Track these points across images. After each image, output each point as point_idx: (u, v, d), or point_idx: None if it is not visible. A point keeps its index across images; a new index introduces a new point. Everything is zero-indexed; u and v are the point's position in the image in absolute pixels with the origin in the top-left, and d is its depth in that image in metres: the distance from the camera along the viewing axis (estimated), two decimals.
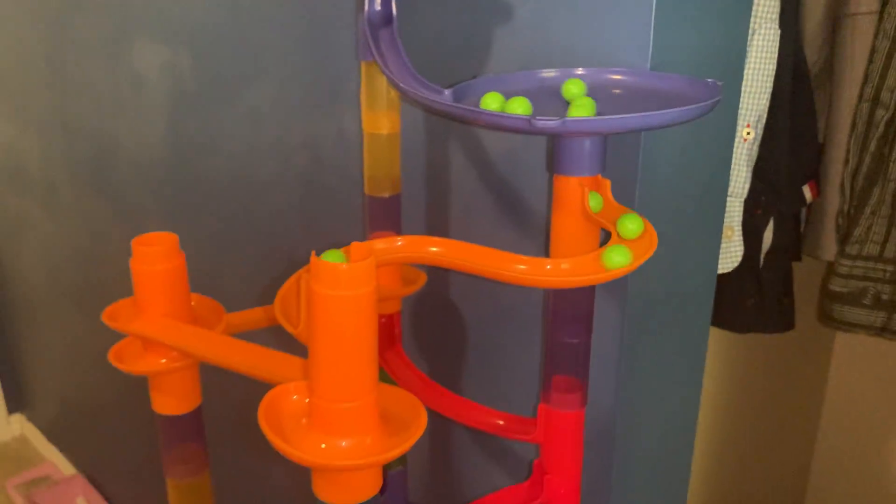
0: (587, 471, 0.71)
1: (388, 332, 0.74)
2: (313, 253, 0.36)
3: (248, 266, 1.02)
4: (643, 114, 0.45)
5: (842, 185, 0.76)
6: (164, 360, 0.56)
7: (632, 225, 0.49)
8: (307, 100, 0.85)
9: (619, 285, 0.63)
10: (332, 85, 0.81)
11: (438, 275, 0.78)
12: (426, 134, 0.74)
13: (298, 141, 0.88)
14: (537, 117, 0.46)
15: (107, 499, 1.76)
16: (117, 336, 1.54)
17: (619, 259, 0.47)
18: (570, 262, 0.48)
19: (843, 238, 0.78)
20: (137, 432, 1.53)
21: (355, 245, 0.38)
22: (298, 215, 0.92)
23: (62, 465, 1.94)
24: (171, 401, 0.58)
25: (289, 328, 0.40)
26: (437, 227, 0.76)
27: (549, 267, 0.48)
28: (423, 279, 0.75)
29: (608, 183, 0.54)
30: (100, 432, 1.70)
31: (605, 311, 0.64)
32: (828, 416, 1.50)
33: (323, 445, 0.39)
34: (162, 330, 0.53)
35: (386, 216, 0.70)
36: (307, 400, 0.41)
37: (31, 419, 2.08)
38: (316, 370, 0.38)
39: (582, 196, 0.52)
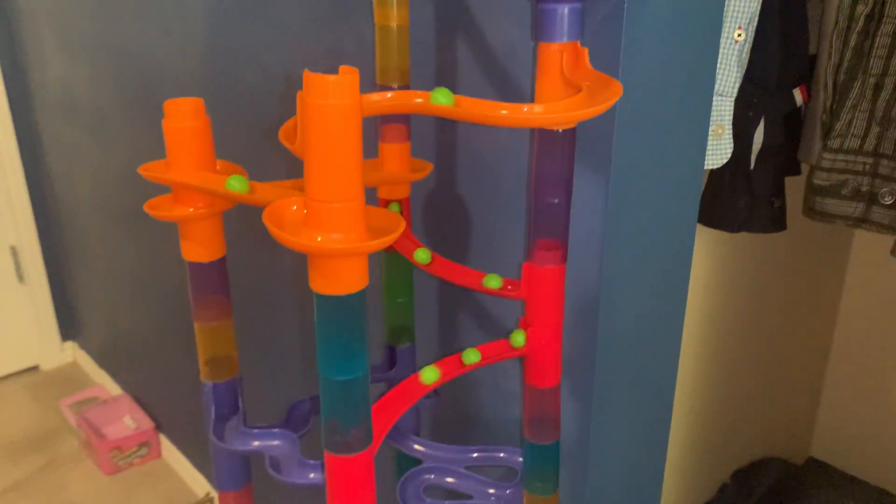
0: (571, 345, 0.77)
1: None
2: (306, 70, 0.43)
3: (280, 174, 1.10)
4: None
5: (824, 80, 0.80)
6: (191, 209, 0.64)
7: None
8: (329, 11, 0.92)
9: (602, 165, 0.69)
10: None
11: (445, 170, 0.85)
12: (435, 30, 0.80)
13: (323, 49, 0.95)
14: None
15: (151, 417, 1.88)
16: (162, 263, 1.66)
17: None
18: (542, 107, 0.55)
19: (826, 133, 0.82)
20: (179, 357, 1.64)
21: (343, 67, 0.45)
22: None
23: (111, 388, 2.07)
24: (198, 248, 0.66)
25: (288, 146, 0.47)
26: (446, 121, 0.83)
27: (525, 109, 0.55)
28: (429, 168, 0.82)
29: (586, 51, 0.59)
30: (145, 357, 1.82)
31: (590, 192, 0.70)
32: (839, 338, 1.53)
33: (319, 238, 0.46)
34: (190, 176, 0.61)
35: None
36: (305, 211, 0.48)
37: (82, 346, 2.22)
38: (310, 174, 0.46)
39: (560, 60, 0.58)
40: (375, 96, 0.54)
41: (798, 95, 0.86)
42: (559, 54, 0.58)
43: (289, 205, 0.49)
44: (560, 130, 0.61)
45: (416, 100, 0.54)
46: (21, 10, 1.80)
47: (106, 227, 1.77)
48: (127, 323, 1.86)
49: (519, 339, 0.67)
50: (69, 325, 2.23)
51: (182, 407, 1.71)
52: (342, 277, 0.48)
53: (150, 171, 0.63)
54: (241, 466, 0.76)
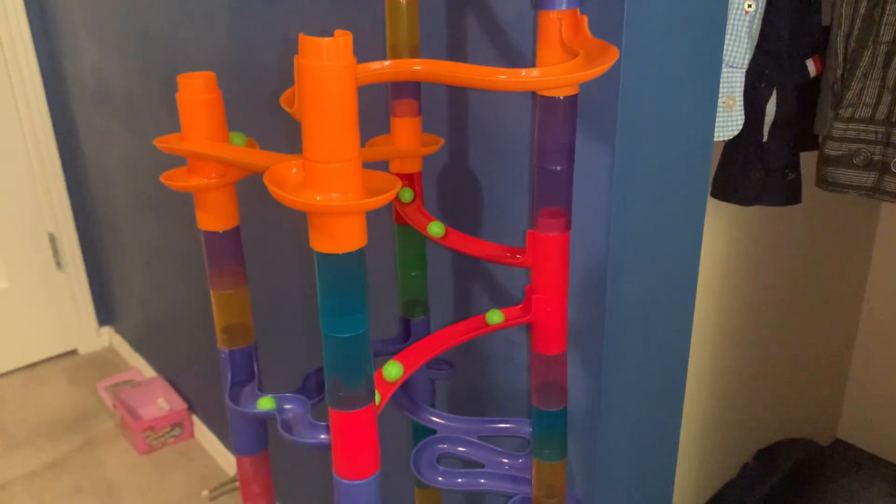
0: (580, 314, 0.78)
1: (409, 188, 0.83)
2: (301, 33, 0.45)
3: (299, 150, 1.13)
4: None
5: (835, 49, 0.80)
6: (205, 179, 0.66)
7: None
8: None
9: (606, 134, 0.70)
10: None
11: (456, 145, 0.86)
12: (445, 5, 0.81)
13: (338, 28, 0.97)
14: None
15: (184, 398, 1.93)
16: (193, 249, 1.69)
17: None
18: (540, 71, 0.56)
19: (837, 102, 0.81)
20: (210, 341, 1.68)
21: (337, 31, 0.46)
22: None
23: (145, 371, 2.13)
24: (213, 218, 0.68)
25: (288, 109, 0.49)
26: (457, 97, 0.84)
27: (523, 73, 0.56)
28: (440, 142, 0.83)
29: (585, 18, 0.60)
30: (178, 341, 1.87)
31: (595, 161, 0.71)
32: (867, 316, 1.51)
33: (318, 198, 0.48)
34: (203, 146, 0.63)
35: (409, 82, 0.78)
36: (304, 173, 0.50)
37: (118, 331, 2.28)
38: (307, 135, 0.48)
39: (559, 27, 0.59)
40: (375, 65, 0.56)
41: (811, 66, 0.85)
42: (558, 22, 0.59)
43: (289, 167, 0.51)
44: (561, 97, 0.62)
45: (415, 67, 0.56)
46: (55, 1, 1.86)
47: (138, 213, 1.82)
48: (160, 308, 1.91)
49: (495, 317, 0.69)
50: (105, 311, 2.29)
51: (214, 389, 1.75)
52: (341, 236, 0.50)
53: (165, 142, 0.65)
54: (258, 432, 0.79)
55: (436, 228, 0.78)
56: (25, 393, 2.10)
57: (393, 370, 0.62)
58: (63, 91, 2.01)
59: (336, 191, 0.48)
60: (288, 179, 0.51)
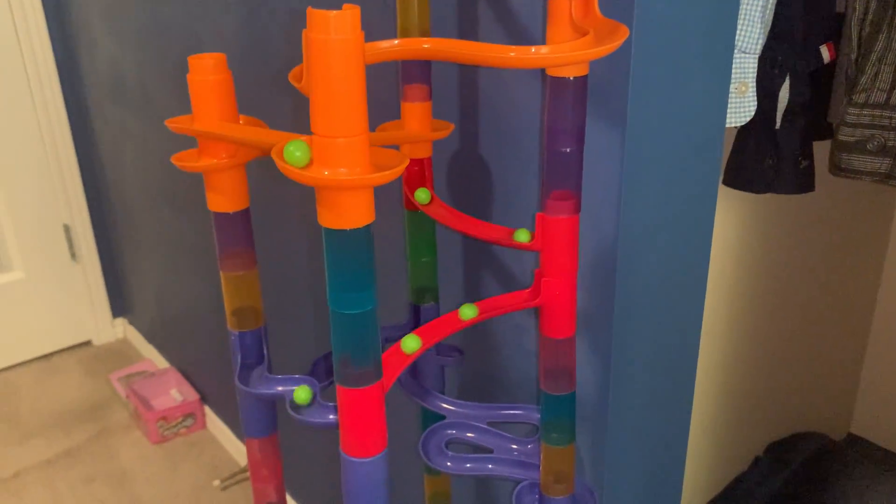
0: (589, 298, 0.78)
1: (419, 173, 0.83)
2: (309, 7, 0.45)
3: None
4: None
5: (850, 33, 0.79)
6: (215, 160, 0.67)
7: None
8: None
9: (617, 117, 0.69)
10: None
11: (467, 130, 0.86)
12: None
13: None
14: None
15: (196, 389, 1.94)
16: (206, 241, 1.70)
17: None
18: (549, 48, 0.56)
19: (851, 87, 0.81)
20: (223, 333, 1.68)
21: (346, 4, 0.46)
22: None
23: (158, 362, 2.14)
24: (223, 199, 0.69)
25: (296, 84, 0.49)
26: (467, 82, 0.84)
27: (533, 50, 0.56)
28: (451, 127, 0.83)
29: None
30: (191, 333, 1.88)
31: (606, 144, 0.71)
32: (882, 310, 1.49)
33: (325, 172, 0.48)
34: (214, 126, 0.63)
35: (420, 66, 0.78)
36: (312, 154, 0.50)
37: (132, 323, 2.30)
38: (315, 110, 0.48)
39: (569, 6, 0.59)
40: (384, 43, 0.56)
41: (825, 52, 0.84)
42: (568, 0, 0.59)
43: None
44: (571, 77, 0.62)
45: (424, 45, 0.56)
46: None
47: (153, 205, 1.83)
48: (174, 300, 1.92)
49: (468, 312, 0.69)
50: (119, 303, 2.31)
51: (226, 380, 1.76)
52: (349, 211, 0.50)
53: (176, 123, 0.66)
54: (267, 414, 0.79)
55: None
56: (40, 383, 2.12)
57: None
58: (78, 83, 2.02)
59: (344, 166, 0.48)
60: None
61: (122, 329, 2.33)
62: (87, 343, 2.29)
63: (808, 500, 1.33)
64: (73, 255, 2.19)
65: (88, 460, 1.82)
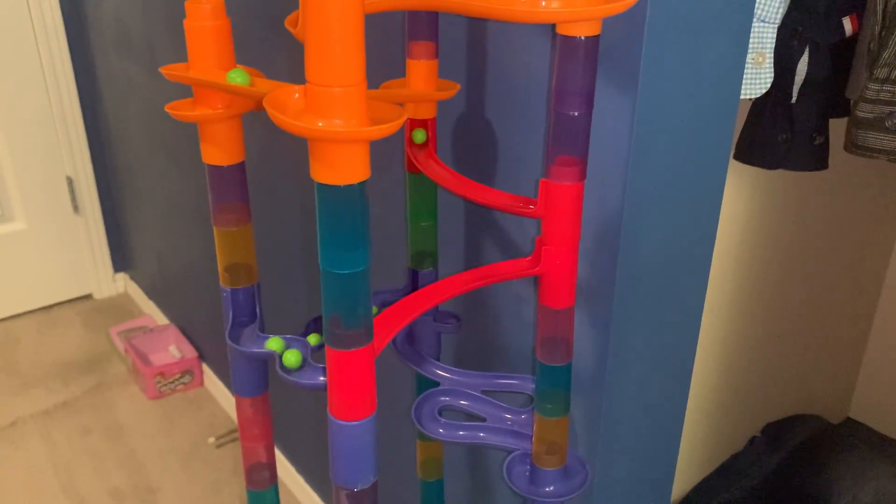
0: (591, 270, 0.76)
1: (423, 129, 0.81)
2: None
3: None
4: None
5: (874, 6, 0.76)
6: (210, 110, 0.65)
7: None
8: None
9: (629, 82, 0.67)
10: None
11: (474, 93, 0.84)
12: None
13: None
14: None
15: (195, 347, 1.94)
16: (205, 200, 1.68)
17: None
18: (560, 2, 0.53)
19: (872, 62, 0.78)
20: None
21: None
22: None
23: (158, 318, 2.14)
24: (217, 151, 0.67)
25: (292, 30, 0.47)
26: (475, 41, 0.82)
27: (543, 4, 0.53)
28: (457, 87, 0.81)
29: None
30: (191, 291, 1.87)
31: (615, 111, 0.68)
32: (888, 294, 1.47)
33: (320, 124, 0.46)
34: (210, 74, 0.61)
35: (427, 22, 0.75)
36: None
37: (133, 278, 2.29)
38: (310, 57, 0.45)
39: None
40: None
41: (847, 24, 0.81)
42: None
43: (290, 92, 0.49)
44: (582, 37, 0.59)
45: None
46: None
47: (156, 160, 1.81)
48: (175, 257, 1.91)
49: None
50: (121, 258, 2.30)
51: (224, 339, 1.75)
52: (343, 166, 0.48)
53: (171, 70, 0.64)
54: (259, 374, 0.78)
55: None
56: (40, 334, 2.12)
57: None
58: (84, 35, 1.99)
59: (339, 117, 0.46)
60: (289, 105, 0.49)
61: (122, 284, 2.33)
62: (88, 296, 2.29)
63: (802, 482, 1.32)
64: (75, 208, 2.18)
65: (86, 412, 1.82)
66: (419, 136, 0.76)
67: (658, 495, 0.95)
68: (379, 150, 0.99)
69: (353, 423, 0.58)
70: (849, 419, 1.56)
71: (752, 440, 1.37)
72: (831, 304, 1.41)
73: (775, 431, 1.37)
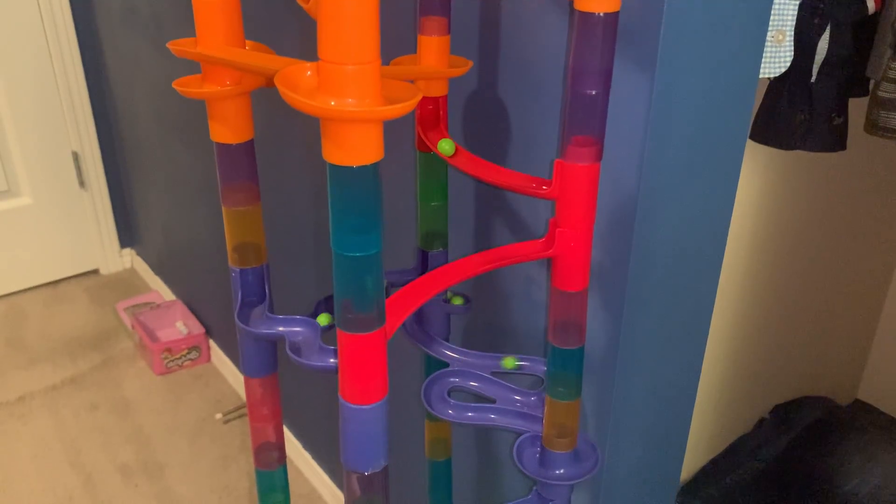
0: (605, 252, 0.75)
1: (433, 113, 0.80)
2: None
3: None
4: None
5: None
6: (219, 87, 0.63)
7: None
8: None
9: (647, 61, 0.65)
10: None
11: (486, 71, 0.82)
12: None
13: None
14: None
15: (202, 323, 1.94)
16: (213, 176, 1.66)
17: None
18: None
19: None
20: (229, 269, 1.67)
21: None
22: None
23: (165, 294, 2.14)
24: (226, 129, 0.66)
25: (304, 5, 0.46)
26: (489, 17, 0.80)
27: None
28: (469, 64, 0.79)
29: None
30: (198, 266, 1.86)
31: (632, 90, 0.67)
32: None
33: (332, 103, 0.45)
34: (218, 50, 0.60)
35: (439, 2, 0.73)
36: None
37: (139, 254, 2.29)
38: (323, 33, 0.44)
39: None
40: None
41: (870, 1, 0.79)
42: None
43: (302, 69, 0.48)
44: (601, 13, 0.58)
45: None
46: None
47: (162, 136, 1.80)
48: (182, 232, 1.90)
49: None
50: (127, 233, 2.29)
51: (231, 315, 1.75)
52: (356, 146, 0.47)
53: (178, 45, 0.62)
54: (268, 354, 0.77)
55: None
56: (47, 309, 2.12)
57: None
58: (90, 10, 1.97)
59: (352, 96, 0.45)
60: (301, 83, 0.48)
61: (129, 259, 2.33)
62: (95, 272, 2.29)
63: (810, 464, 1.32)
64: (81, 183, 2.17)
65: (93, 388, 1.83)
66: (446, 147, 0.74)
67: (667, 477, 0.95)
68: (388, 128, 0.97)
69: (365, 406, 0.57)
70: (857, 401, 1.56)
71: (761, 422, 1.36)
72: (841, 286, 1.40)
73: (784, 413, 1.37)
